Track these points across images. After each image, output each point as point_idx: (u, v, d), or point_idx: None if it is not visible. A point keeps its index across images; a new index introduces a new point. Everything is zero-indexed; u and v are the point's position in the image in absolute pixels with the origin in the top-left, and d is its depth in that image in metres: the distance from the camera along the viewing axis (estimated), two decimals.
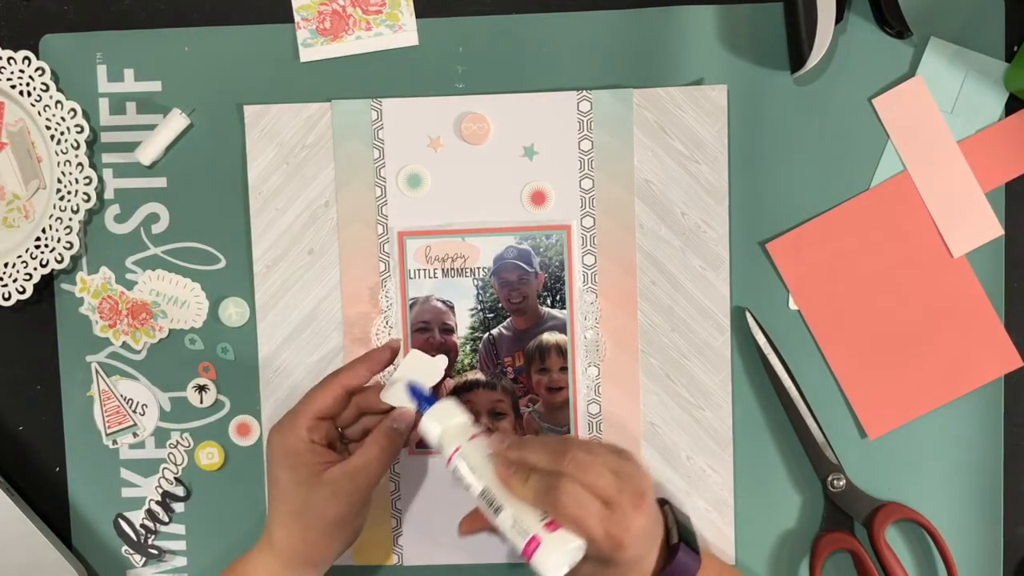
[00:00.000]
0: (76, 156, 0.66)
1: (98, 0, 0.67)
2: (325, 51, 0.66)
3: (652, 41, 0.65)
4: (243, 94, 0.67)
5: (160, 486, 0.69)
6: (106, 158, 0.68)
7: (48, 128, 0.66)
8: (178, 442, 0.69)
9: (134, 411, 0.68)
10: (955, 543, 0.65)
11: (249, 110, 0.66)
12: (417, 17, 0.66)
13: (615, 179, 0.65)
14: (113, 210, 0.68)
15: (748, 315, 0.65)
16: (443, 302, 0.66)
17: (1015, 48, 0.65)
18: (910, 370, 0.65)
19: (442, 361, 0.62)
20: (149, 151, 0.66)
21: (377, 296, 0.67)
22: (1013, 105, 0.65)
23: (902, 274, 0.65)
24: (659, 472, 0.66)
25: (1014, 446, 0.66)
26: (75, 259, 0.68)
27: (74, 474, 0.69)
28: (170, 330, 0.68)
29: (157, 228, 0.68)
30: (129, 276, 0.68)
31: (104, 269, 0.68)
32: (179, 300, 0.68)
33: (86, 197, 0.66)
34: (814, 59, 0.63)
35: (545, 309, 0.66)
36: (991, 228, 0.65)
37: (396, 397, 0.60)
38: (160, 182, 0.68)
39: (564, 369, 0.66)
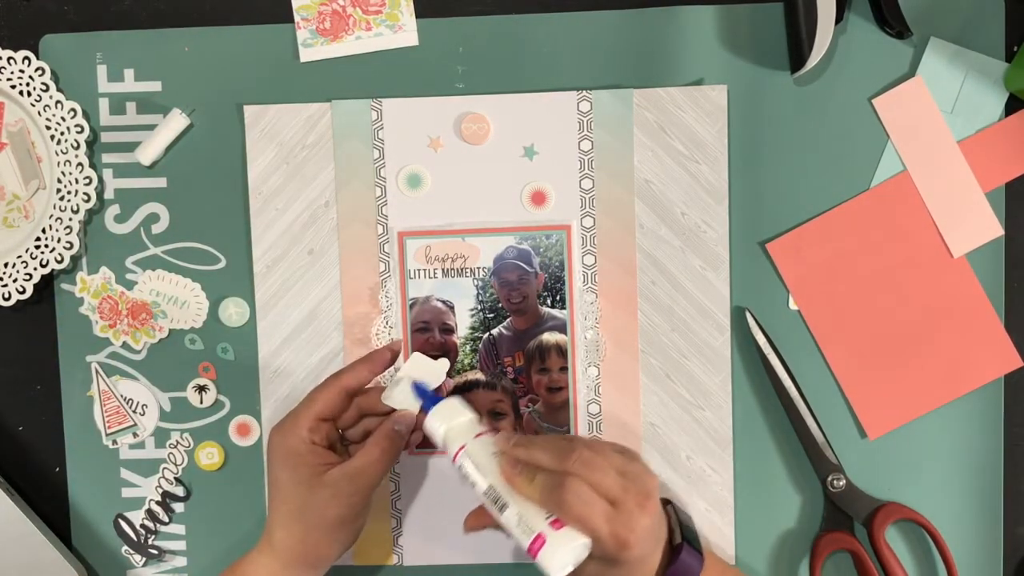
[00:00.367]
0: (76, 156, 0.66)
1: (98, 0, 0.67)
2: (325, 51, 0.66)
3: (652, 41, 0.65)
4: (243, 94, 0.67)
5: (160, 486, 0.69)
6: (106, 158, 0.68)
7: (48, 128, 0.66)
8: (178, 442, 0.69)
9: (134, 411, 0.68)
10: (955, 543, 0.65)
11: (249, 110, 0.66)
12: (417, 17, 0.66)
13: (615, 179, 0.65)
14: (113, 210, 0.68)
15: (748, 315, 0.65)
16: (443, 302, 0.66)
17: (1015, 48, 0.65)
18: (910, 370, 0.65)
19: (444, 364, 0.62)
20: (149, 151, 0.66)
21: (377, 296, 0.67)
22: (1013, 105, 0.65)
23: (902, 274, 0.65)
24: (659, 472, 0.66)
25: (1014, 446, 0.66)
26: (75, 259, 0.68)
27: (74, 474, 0.69)
28: (170, 330, 0.68)
29: (157, 228, 0.68)
30: (129, 276, 0.68)
31: (104, 269, 0.68)
32: (179, 300, 0.68)
33: (86, 197, 0.66)
34: (814, 59, 0.63)
35: (545, 309, 0.66)
36: (991, 228, 0.65)
37: (398, 399, 0.60)
38: (160, 182, 0.68)
39: (564, 369, 0.66)
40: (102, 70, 0.67)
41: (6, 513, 0.67)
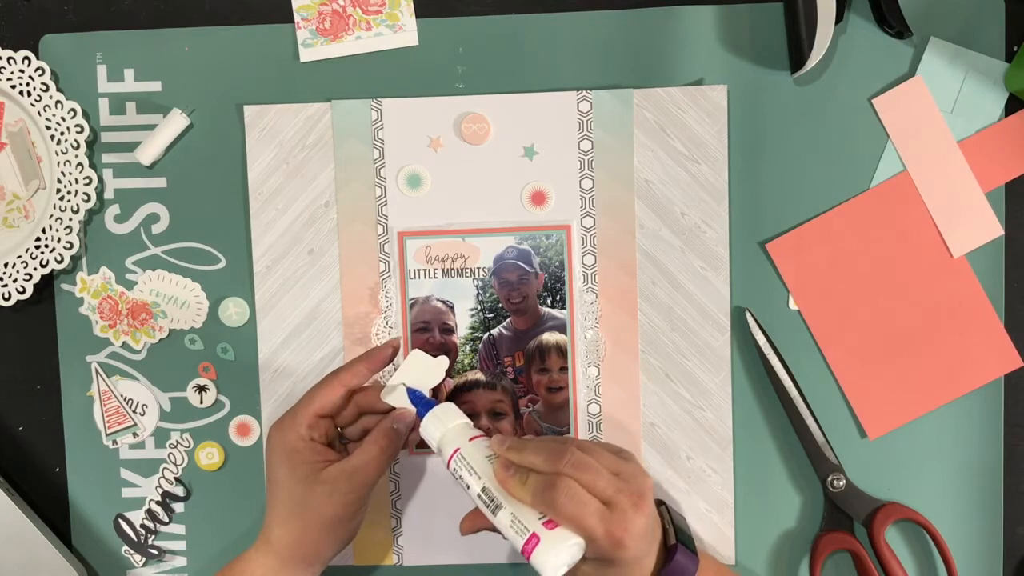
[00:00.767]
0: (76, 156, 0.66)
1: (98, 0, 0.67)
2: (325, 51, 0.66)
3: (652, 41, 0.65)
4: (243, 94, 0.67)
5: (160, 486, 0.69)
6: (106, 158, 0.68)
7: (48, 128, 0.66)
8: (178, 442, 0.69)
9: (134, 411, 0.68)
10: (955, 543, 0.65)
11: (249, 110, 0.66)
12: (417, 17, 0.66)
13: (615, 179, 0.65)
14: (113, 210, 0.68)
15: (748, 315, 0.65)
16: (443, 302, 0.66)
17: (1015, 48, 0.65)
18: (910, 370, 0.65)
19: (443, 362, 0.62)
20: (149, 151, 0.66)
21: (377, 296, 0.67)
22: (1013, 105, 0.65)
23: (902, 274, 0.65)
24: (659, 472, 0.66)
25: (1014, 446, 0.66)
26: (75, 259, 0.68)
27: (74, 474, 0.69)
28: (170, 330, 0.68)
29: (157, 228, 0.68)
30: (129, 276, 0.68)
31: (104, 269, 0.68)
32: (179, 300, 0.68)
33: (86, 197, 0.66)
34: (814, 59, 0.63)
35: (545, 309, 0.66)
36: (991, 228, 0.65)
37: (397, 398, 0.60)
38: (160, 182, 0.68)
39: (564, 369, 0.66)
40: (102, 70, 0.67)
41: (6, 513, 0.67)
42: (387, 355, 0.62)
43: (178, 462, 0.69)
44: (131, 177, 0.68)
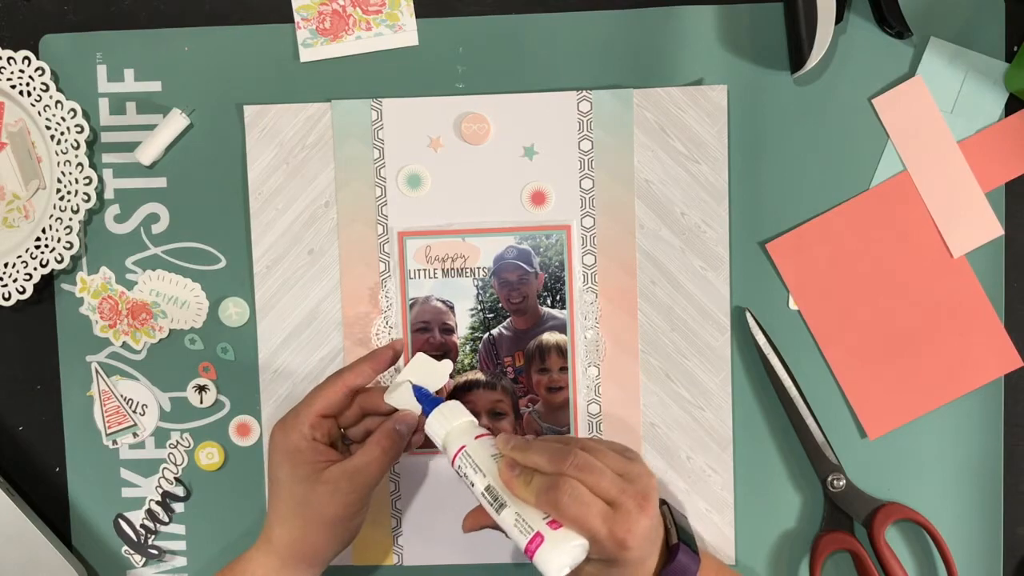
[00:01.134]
0: (76, 156, 0.66)
1: (98, 0, 0.67)
2: (325, 51, 0.66)
3: (652, 41, 0.65)
4: (243, 94, 0.67)
5: (160, 486, 0.69)
6: (106, 158, 0.68)
7: (48, 128, 0.66)
8: (178, 442, 0.69)
9: (134, 411, 0.68)
10: (955, 543, 0.65)
11: (249, 110, 0.66)
12: (417, 17, 0.66)
13: (615, 179, 0.65)
14: (113, 210, 0.68)
15: (748, 315, 0.65)
16: (443, 302, 0.66)
17: (1015, 48, 0.65)
18: (910, 370, 0.65)
19: (447, 365, 0.62)
20: (149, 151, 0.66)
21: (377, 296, 0.67)
22: (1013, 105, 0.65)
23: (902, 274, 0.65)
24: (659, 472, 0.66)
25: (1014, 446, 0.66)
26: (75, 259, 0.68)
27: (74, 474, 0.69)
28: (170, 330, 0.68)
29: (157, 228, 0.68)
30: (129, 276, 0.68)
31: (104, 269, 0.68)
32: (179, 300, 0.68)
33: (86, 197, 0.66)
34: (814, 59, 0.63)
35: (545, 309, 0.66)
36: (991, 228, 0.65)
37: (400, 399, 0.60)
38: (160, 182, 0.68)
39: (564, 369, 0.66)
40: (102, 70, 0.67)
41: (6, 513, 0.67)
42: (390, 355, 0.62)
43: (178, 462, 0.69)
44: (131, 177, 0.68)
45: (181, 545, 0.69)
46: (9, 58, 0.66)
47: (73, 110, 0.66)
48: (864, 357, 0.65)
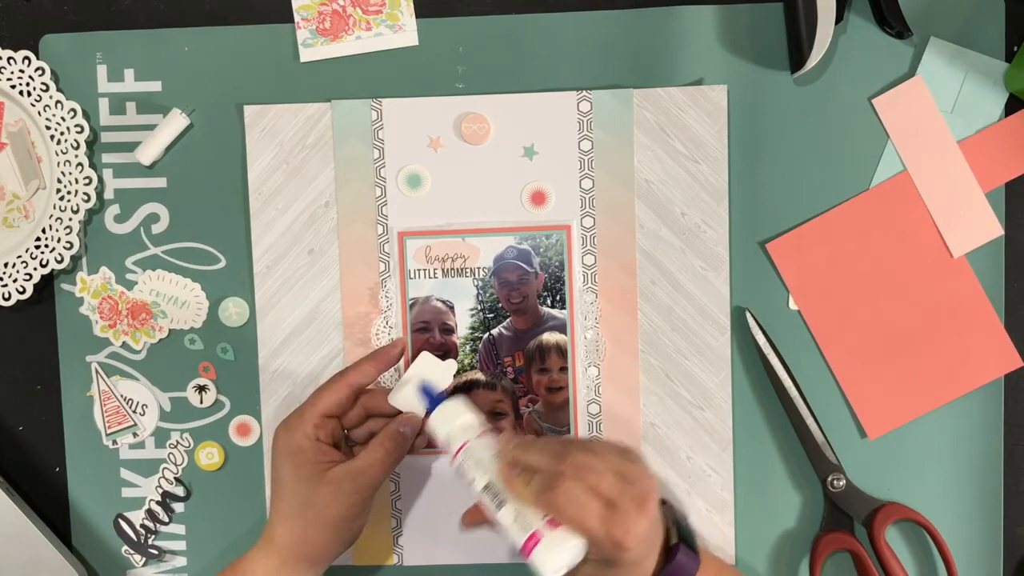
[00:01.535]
0: (76, 156, 0.66)
1: (98, 0, 0.67)
2: (325, 51, 0.66)
3: (652, 41, 0.65)
4: (243, 94, 0.67)
5: (160, 486, 0.69)
6: (106, 158, 0.68)
7: (48, 128, 0.66)
8: (178, 442, 0.69)
9: (134, 411, 0.68)
10: (955, 543, 0.65)
11: (249, 110, 0.66)
12: (417, 17, 0.66)
13: (615, 179, 0.65)
14: (113, 210, 0.68)
15: (748, 315, 0.65)
16: (443, 302, 0.66)
17: (1015, 48, 0.65)
18: (910, 370, 0.65)
19: (451, 365, 0.62)
20: (149, 151, 0.66)
21: (377, 296, 0.67)
22: (1013, 105, 0.65)
23: (902, 274, 0.65)
24: (659, 472, 0.66)
25: (1014, 446, 0.66)
26: (75, 259, 0.68)
27: (74, 474, 0.69)
28: (170, 330, 0.68)
29: (157, 228, 0.68)
30: (129, 276, 0.68)
31: (104, 269, 0.68)
32: (179, 300, 0.68)
33: (86, 197, 0.66)
34: (814, 59, 0.63)
35: (545, 309, 0.66)
36: (991, 228, 0.65)
37: (404, 400, 0.60)
38: (160, 182, 0.68)
39: (564, 369, 0.66)
40: (102, 70, 0.67)
41: (6, 513, 0.67)
42: (393, 355, 0.62)
43: (178, 462, 0.69)
44: (131, 177, 0.68)
45: (181, 545, 0.69)
46: (9, 58, 0.66)
47: (73, 110, 0.66)
48: (864, 357, 0.65)
